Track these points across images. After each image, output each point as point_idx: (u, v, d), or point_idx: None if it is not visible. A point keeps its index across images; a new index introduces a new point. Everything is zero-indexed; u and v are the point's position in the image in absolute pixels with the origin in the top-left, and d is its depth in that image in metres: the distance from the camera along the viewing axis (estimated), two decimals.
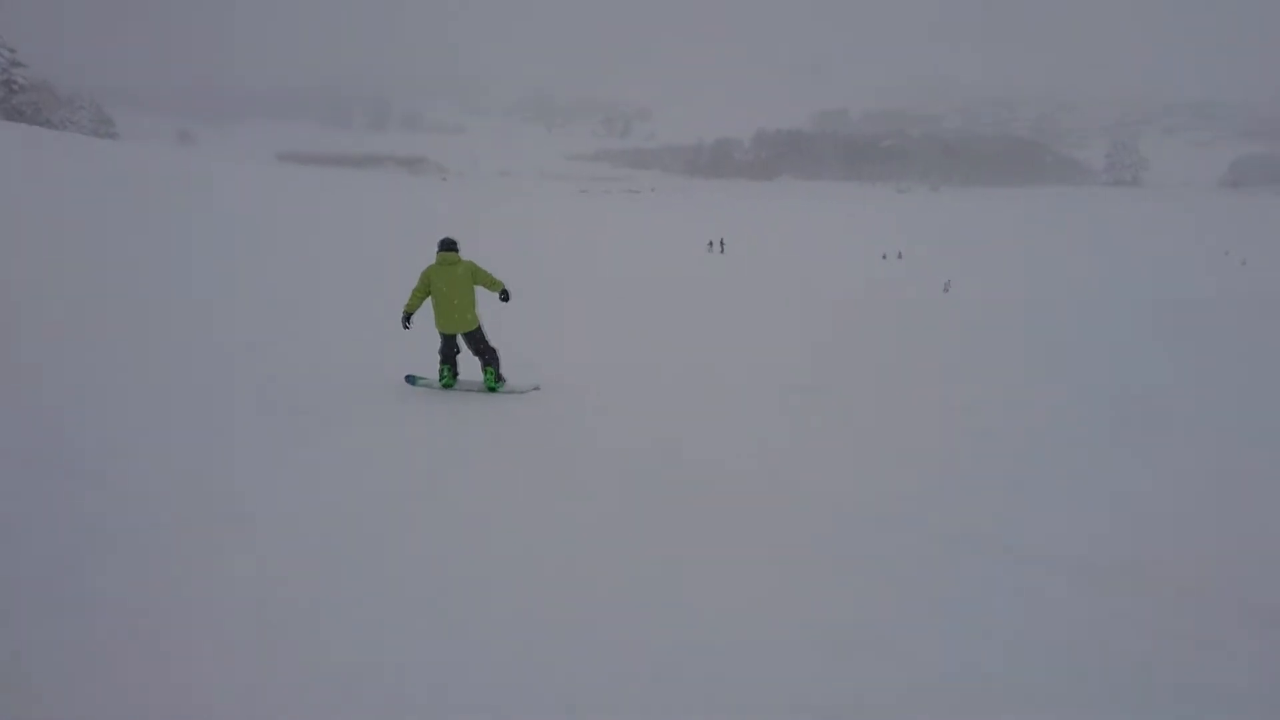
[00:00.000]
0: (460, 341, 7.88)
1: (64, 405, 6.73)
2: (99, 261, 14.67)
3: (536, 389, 8.05)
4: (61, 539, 4.23)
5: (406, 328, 8.02)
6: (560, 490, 5.33)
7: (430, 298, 7.74)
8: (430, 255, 8.10)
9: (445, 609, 3.68)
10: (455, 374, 7.99)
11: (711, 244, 47.09)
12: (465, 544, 4.40)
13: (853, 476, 5.77)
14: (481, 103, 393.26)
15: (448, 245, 7.76)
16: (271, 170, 58.58)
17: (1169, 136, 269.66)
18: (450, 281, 7.62)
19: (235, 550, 4.20)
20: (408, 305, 7.81)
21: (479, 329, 7.78)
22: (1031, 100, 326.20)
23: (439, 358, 7.95)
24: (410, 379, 8.16)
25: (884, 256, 46.83)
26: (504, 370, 8.07)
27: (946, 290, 24.81)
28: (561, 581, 4.01)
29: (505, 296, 7.86)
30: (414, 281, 7.84)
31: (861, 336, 13.43)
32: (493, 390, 7.87)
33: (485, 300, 8.43)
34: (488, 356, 7.82)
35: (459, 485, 5.35)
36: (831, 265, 34.81)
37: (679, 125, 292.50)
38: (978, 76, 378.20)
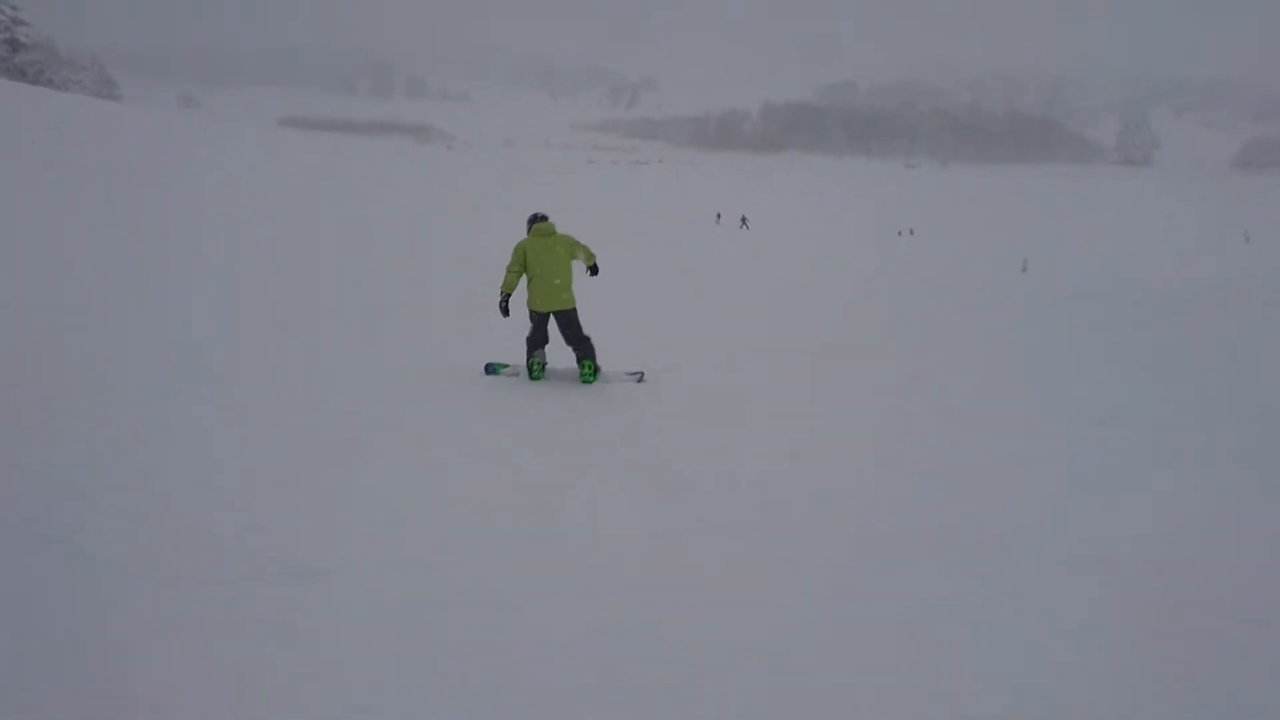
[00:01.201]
0: (553, 325, 7.19)
1: (68, 412, 5.34)
2: (109, 238, 13.92)
3: (640, 380, 7.33)
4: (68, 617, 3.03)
5: (506, 314, 7.23)
6: (699, 522, 4.53)
7: (526, 275, 7.07)
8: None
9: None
10: (544, 364, 7.32)
11: (719, 216, 46.32)
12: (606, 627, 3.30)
13: (1035, 502, 5.03)
14: (486, 69, 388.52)
15: (541, 218, 7.19)
16: (278, 137, 57.33)
17: (1179, 116, 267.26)
18: (549, 255, 6.98)
19: (306, 615, 3.17)
20: (505, 285, 7.09)
21: (575, 310, 7.12)
22: (1041, 77, 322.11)
23: (526, 346, 7.27)
24: (490, 368, 7.48)
25: (899, 234, 46.12)
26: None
27: (1024, 270, 23.82)
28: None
29: (595, 270, 7.30)
30: (507, 259, 7.13)
31: (958, 328, 12.05)
32: (589, 382, 7.19)
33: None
34: (584, 348, 7.16)
35: (581, 526, 4.26)
36: (861, 243, 33.84)
37: (686, 96, 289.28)
38: (986, 52, 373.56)
